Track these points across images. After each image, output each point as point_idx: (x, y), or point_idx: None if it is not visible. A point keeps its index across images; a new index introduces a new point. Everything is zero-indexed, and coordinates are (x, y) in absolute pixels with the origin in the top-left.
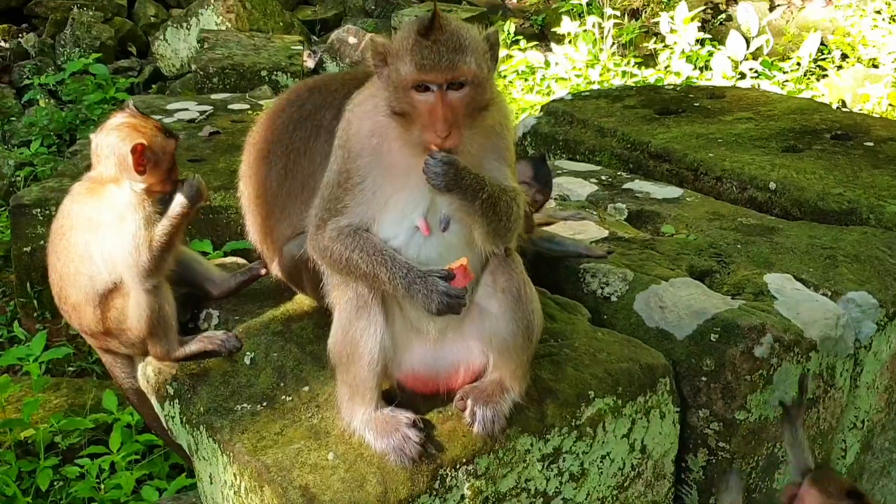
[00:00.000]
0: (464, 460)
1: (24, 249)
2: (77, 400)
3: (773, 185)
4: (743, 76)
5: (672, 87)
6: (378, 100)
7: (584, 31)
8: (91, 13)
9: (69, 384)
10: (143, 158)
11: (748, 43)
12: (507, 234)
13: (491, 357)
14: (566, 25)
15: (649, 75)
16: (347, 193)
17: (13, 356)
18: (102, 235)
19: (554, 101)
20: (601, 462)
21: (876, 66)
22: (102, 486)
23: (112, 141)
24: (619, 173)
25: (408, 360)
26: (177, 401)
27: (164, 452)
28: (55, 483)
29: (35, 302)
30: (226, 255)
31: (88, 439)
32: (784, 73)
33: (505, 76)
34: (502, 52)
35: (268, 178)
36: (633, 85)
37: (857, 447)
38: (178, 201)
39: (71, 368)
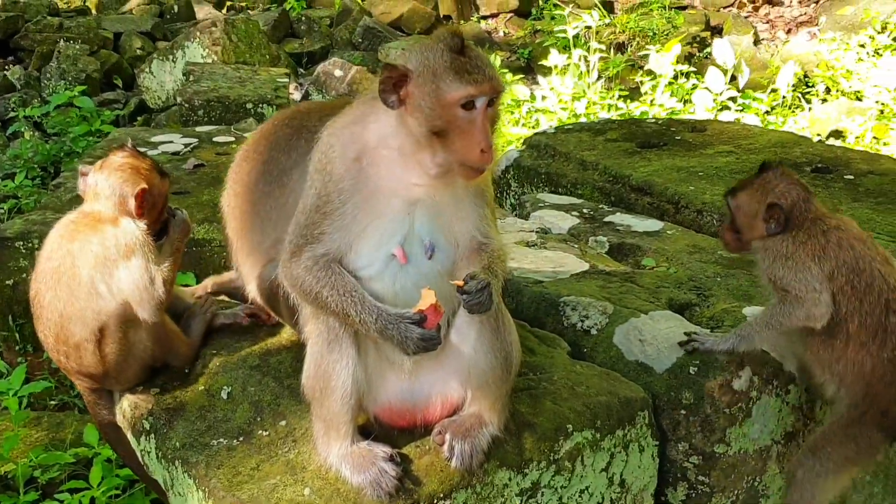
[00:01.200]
0: (441, 495)
1: (6, 282)
2: (58, 434)
3: None
4: (726, 108)
5: (654, 120)
6: (366, 125)
7: (571, 64)
8: (77, 46)
9: (50, 418)
10: (144, 202)
11: (725, 76)
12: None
13: (469, 390)
14: (553, 58)
15: (634, 108)
16: (326, 218)
17: None
18: (111, 272)
19: (537, 134)
20: (580, 496)
21: (860, 99)
22: None
23: (114, 182)
24: (600, 206)
25: (383, 393)
26: (153, 435)
27: (143, 487)
28: None
29: (17, 335)
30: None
31: (69, 474)
32: (761, 102)
33: None
34: None
35: (246, 202)
36: (616, 118)
37: None
38: (174, 236)
39: (52, 402)
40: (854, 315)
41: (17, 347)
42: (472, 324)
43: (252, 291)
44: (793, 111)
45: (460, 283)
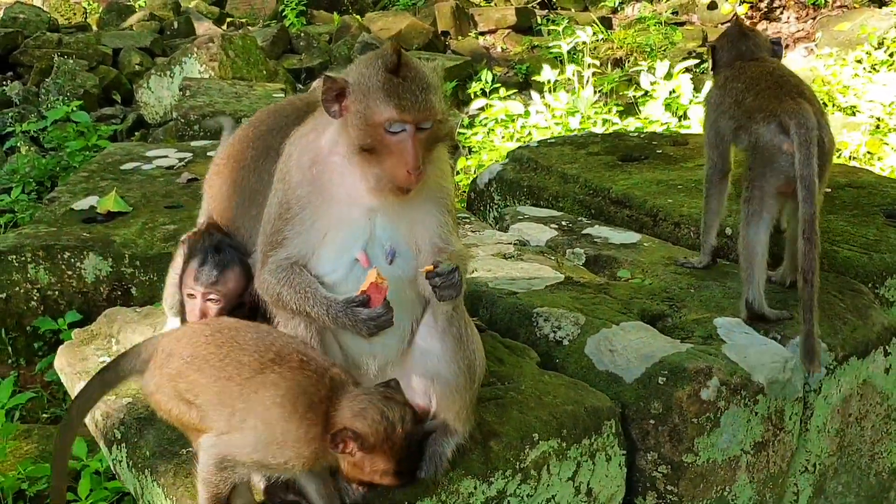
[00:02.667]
0: None
1: (0, 296)
2: (48, 447)
3: (728, 231)
4: None
5: (636, 133)
6: (322, 132)
7: (566, 79)
8: (75, 61)
9: (41, 430)
10: None
11: None
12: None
13: (434, 398)
14: (546, 73)
15: (629, 124)
16: (287, 224)
17: None
18: None
19: (520, 147)
20: None
21: (854, 114)
22: None
23: None
24: (579, 219)
25: None
26: (124, 445)
27: (132, 500)
28: None
29: (9, 349)
30: None
31: None
32: None
33: (485, 124)
34: (482, 102)
35: (220, 193)
36: (599, 132)
37: (810, 491)
38: None
39: (45, 415)
40: None
41: (9, 361)
42: (435, 332)
43: None
44: None
45: (430, 267)
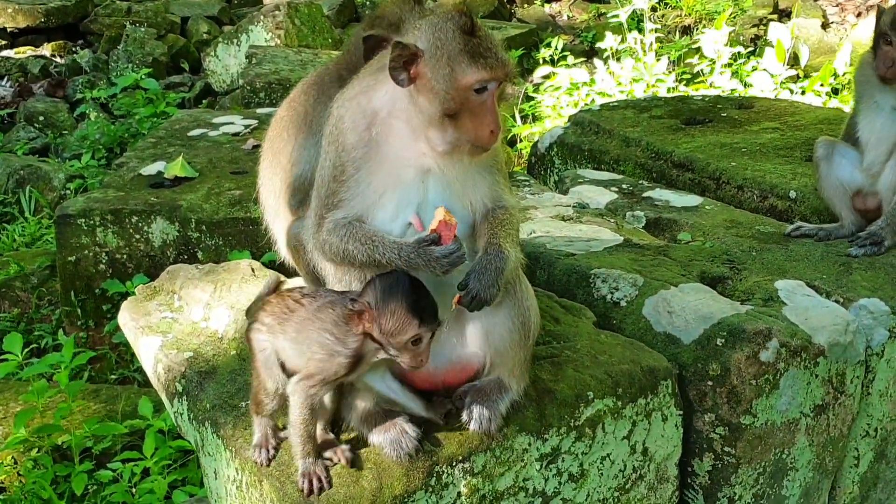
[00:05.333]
0: (460, 458)
1: (69, 259)
2: (115, 406)
3: (793, 194)
4: (788, 90)
5: (701, 97)
6: (372, 94)
7: (628, 46)
8: (145, 30)
9: (108, 391)
10: None
11: (784, 57)
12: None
13: (489, 355)
14: (608, 41)
15: (692, 91)
16: (342, 186)
17: (46, 363)
18: None
19: (581, 111)
20: (601, 463)
21: None
22: (135, 491)
23: None
24: (640, 182)
25: None
26: (185, 397)
27: (196, 457)
28: (89, 487)
29: (79, 310)
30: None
31: (123, 445)
32: (816, 82)
33: (550, 92)
34: (547, 68)
35: (273, 167)
36: (663, 96)
37: (871, 456)
38: None
39: (113, 376)
40: None
41: (78, 323)
42: None
43: (281, 249)
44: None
45: (457, 298)
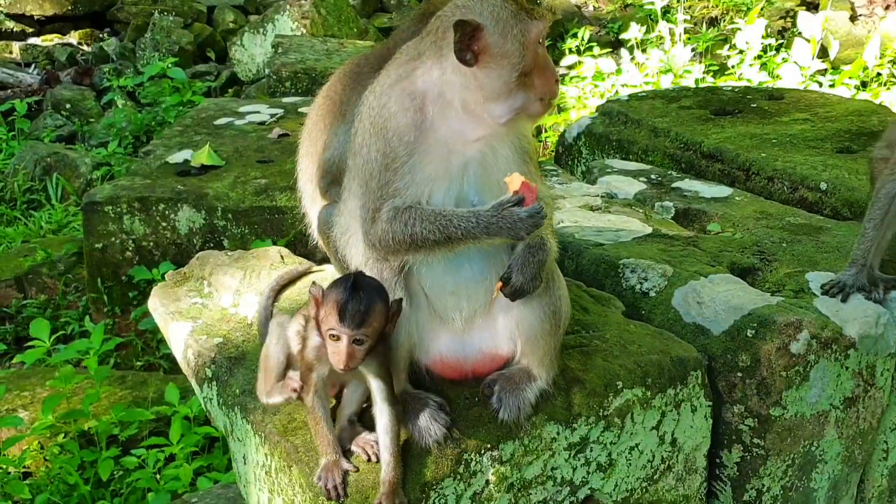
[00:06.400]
0: (488, 446)
1: (96, 246)
2: (141, 393)
3: (823, 186)
4: (817, 83)
5: (730, 88)
6: (415, 79)
7: (656, 37)
8: (171, 19)
9: (134, 377)
10: None
11: (813, 49)
12: None
13: (518, 344)
14: (633, 31)
15: (721, 83)
16: (396, 174)
17: (74, 349)
18: None
19: (609, 101)
20: (629, 453)
21: None
22: (160, 477)
23: None
24: (669, 172)
25: (435, 346)
26: (214, 383)
27: (223, 444)
28: (115, 473)
29: (105, 297)
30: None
31: (150, 431)
32: (846, 75)
33: (575, 83)
34: (573, 58)
35: (308, 155)
36: (692, 87)
37: None
38: None
39: (139, 363)
40: None
41: (105, 309)
42: None
43: (314, 234)
44: (888, 87)
45: (499, 284)
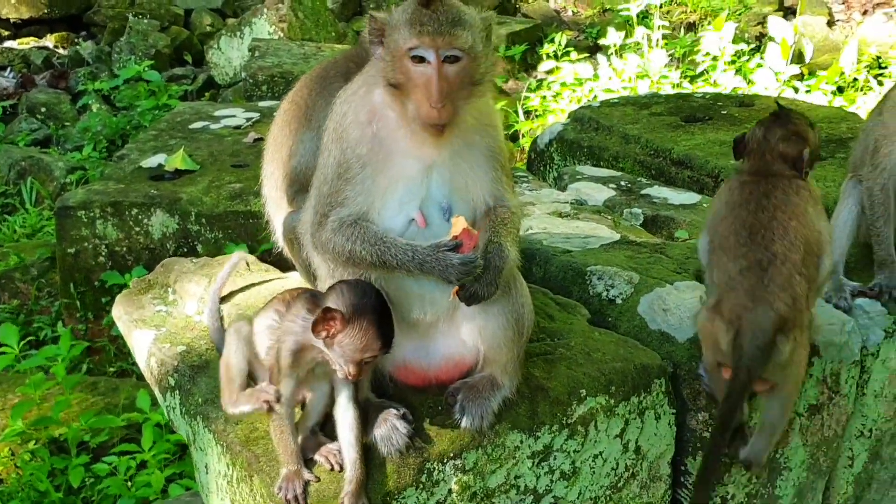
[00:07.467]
0: (451, 454)
1: (69, 251)
2: (112, 399)
3: None
4: (793, 88)
5: (701, 95)
6: (374, 85)
7: (634, 42)
8: (148, 22)
9: (106, 383)
10: None
11: (787, 55)
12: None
13: (482, 351)
14: (611, 37)
15: (698, 88)
16: (347, 184)
17: (43, 356)
18: None
19: (581, 107)
20: (593, 461)
21: None
22: (132, 484)
23: None
24: (638, 179)
25: (399, 353)
26: (177, 392)
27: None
28: (86, 480)
29: (78, 302)
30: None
31: (121, 437)
32: (822, 80)
33: (553, 87)
34: (551, 63)
35: (273, 161)
36: (663, 93)
37: (865, 456)
38: None
39: (112, 369)
40: None
41: (77, 315)
42: None
43: (279, 241)
44: (864, 93)
45: (456, 289)
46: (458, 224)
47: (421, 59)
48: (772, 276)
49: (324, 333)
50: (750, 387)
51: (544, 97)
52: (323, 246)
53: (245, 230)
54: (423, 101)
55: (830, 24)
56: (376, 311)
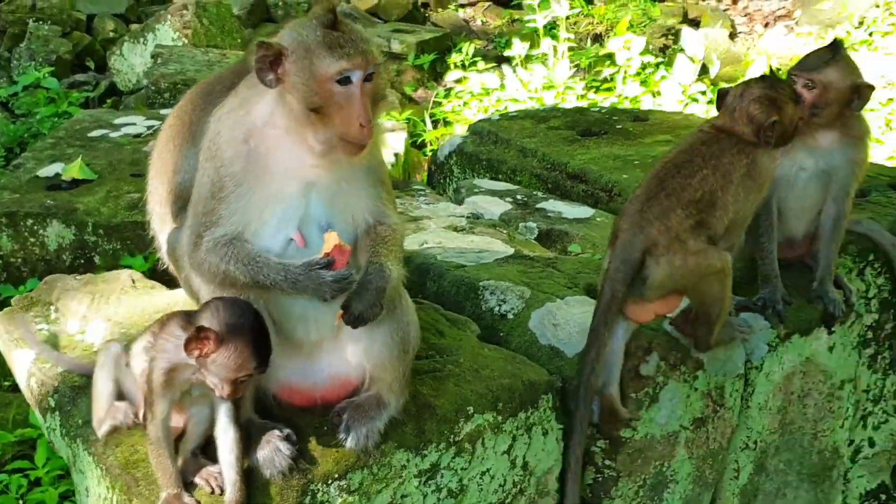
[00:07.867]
0: (336, 475)
1: None
2: (5, 414)
3: None
4: (695, 101)
5: (598, 109)
6: (251, 106)
7: (540, 53)
8: (49, 27)
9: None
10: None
11: (694, 67)
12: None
13: (367, 370)
14: (516, 48)
15: (603, 99)
16: (221, 203)
17: None
18: None
19: (480, 120)
20: (481, 478)
21: None
22: (24, 502)
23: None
24: (534, 193)
25: (282, 372)
26: (57, 413)
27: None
28: None
29: None
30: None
31: (13, 454)
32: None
33: (460, 97)
34: (459, 73)
35: (157, 177)
36: (562, 107)
37: (751, 468)
38: None
39: (7, 383)
40: None
41: None
42: None
43: (164, 256)
44: None
45: (340, 313)
46: (331, 240)
47: (347, 81)
48: (651, 205)
49: (196, 352)
50: (615, 304)
51: (454, 107)
52: (199, 266)
53: (143, 241)
54: (351, 122)
55: (733, 36)
56: (252, 330)
